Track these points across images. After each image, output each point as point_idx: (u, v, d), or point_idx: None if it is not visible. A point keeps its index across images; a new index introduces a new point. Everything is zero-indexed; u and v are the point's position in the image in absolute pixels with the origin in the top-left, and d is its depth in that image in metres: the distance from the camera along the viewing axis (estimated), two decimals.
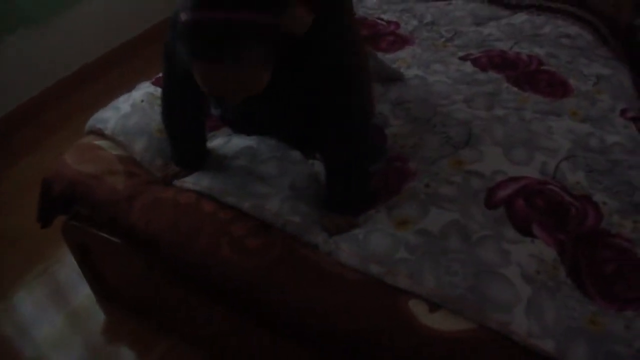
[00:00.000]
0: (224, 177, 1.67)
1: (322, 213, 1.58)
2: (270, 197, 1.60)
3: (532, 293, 1.36)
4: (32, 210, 1.95)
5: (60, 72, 3.28)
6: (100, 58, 3.48)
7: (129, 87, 2.15)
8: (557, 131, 1.90)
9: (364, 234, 1.50)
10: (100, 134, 1.94)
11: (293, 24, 1.33)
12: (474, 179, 1.68)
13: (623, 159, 1.82)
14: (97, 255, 2.00)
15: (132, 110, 1.94)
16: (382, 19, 2.65)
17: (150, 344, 2.00)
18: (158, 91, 1.90)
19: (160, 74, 2.00)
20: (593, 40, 2.53)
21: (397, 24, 2.60)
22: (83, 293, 2.19)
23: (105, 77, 3.39)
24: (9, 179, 2.77)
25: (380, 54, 2.31)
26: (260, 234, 1.54)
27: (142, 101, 1.99)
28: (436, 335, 1.30)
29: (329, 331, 1.38)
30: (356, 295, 1.40)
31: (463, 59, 2.34)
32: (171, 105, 1.67)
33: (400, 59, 2.30)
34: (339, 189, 1.59)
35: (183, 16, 1.12)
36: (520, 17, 2.66)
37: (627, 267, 1.47)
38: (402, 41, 2.47)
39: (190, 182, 1.69)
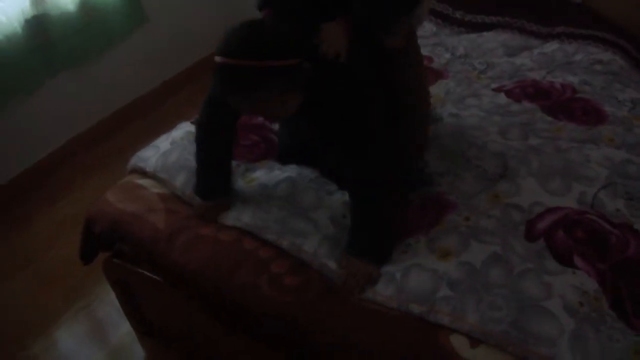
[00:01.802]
0: (263, 212, 1.69)
1: (344, 261, 1.53)
2: (309, 236, 1.60)
3: (575, 325, 1.33)
4: (72, 247, 2.01)
5: (99, 114, 3.36)
6: (138, 99, 3.57)
7: (167, 128, 2.20)
8: (593, 159, 1.88)
9: (402, 272, 1.49)
10: (141, 172, 1.98)
11: (328, 45, 1.44)
12: (512, 211, 1.67)
13: None
14: (137, 292, 2.03)
15: (172, 147, 1.99)
16: None
17: None
18: None
19: None
20: (626, 65, 2.52)
21: (430, 58, 2.61)
22: (123, 330, 2.21)
23: (144, 118, 3.47)
24: (48, 217, 2.83)
25: None
26: (300, 271, 1.55)
27: (182, 139, 2.04)
28: None
29: None
30: (396, 330, 1.39)
31: (496, 90, 2.33)
32: (206, 130, 1.72)
33: (434, 95, 2.29)
34: (358, 231, 1.56)
35: (216, 59, 1.28)
36: (552, 46, 2.66)
37: None
38: (436, 75, 2.48)
39: (231, 218, 1.71)
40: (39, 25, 2.80)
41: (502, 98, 2.27)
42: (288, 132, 1.93)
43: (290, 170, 1.85)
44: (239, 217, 1.70)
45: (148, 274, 1.81)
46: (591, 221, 1.62)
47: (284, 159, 1.90)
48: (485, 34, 2.82)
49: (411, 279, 1.46)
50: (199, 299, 1.68)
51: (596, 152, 1.92)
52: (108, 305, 2.30)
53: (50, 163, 3.11)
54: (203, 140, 1.73)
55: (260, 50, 1.26)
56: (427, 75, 2.07)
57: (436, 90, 2.35)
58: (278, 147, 1.98)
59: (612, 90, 2.31)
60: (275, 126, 2.07)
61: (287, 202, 1.72)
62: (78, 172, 3.11)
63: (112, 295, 2.11)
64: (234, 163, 1.86)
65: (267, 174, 1.86)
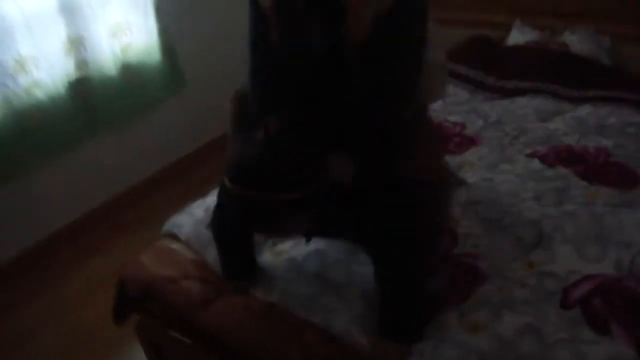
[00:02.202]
0: (293, 287, 1.70)
1: (375, 339, 1.53)
2: (340, 313, 1.60)
3: None
4: (104, 307, 2.03)
5: (135, 176, 3.44)
6: (174, 163, 3.66)
7: (201, 192, 2.24)
8: (629, 224, 1.85)
9: (432, 345, 1.48)
10: (175, 238, 2.02)
11: (336, 173, 1.39)
12: (547, 280, 1.65)
13: None
14: (169, 354, 2.03)
15: (205, 215, 2.00)
16: (448, 121, 2.69)
17: None
18: None
19: None
20: None
21: (463, 125, 2.63)
22: None
23: (179, 182, 3.53)
24: (84, 275, 2.88)
25: (448, 156, 2.34)
26: (331, 342, 1.55)
27: None
28: None
29: None
30: None
31: (530, 155, 2.34)
32: (223, 216, 1.70)
33: (467, 162, 2.33)
34: (390, 309, 1.55)
35: (229, 186, 1.27)
36: (585, 110, 2.66)
37: None
38: (468, 142, 2.49)
39: (260, 293, 1.73)
40: (81, 88, 2.92)
41: (536, 163, 2.27)
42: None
43: (319, 242, 1.84)
44: (269, 291, 1.72)
45: (179, 336, 1.83)
46: (628, 288, 1.60)
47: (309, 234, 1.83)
48: (517, 99, 2.83)
49: (440, 354, 1.45)
50: None
51: (632, 216, 1.90)
52: None
53: (86, 221, 3.19)
54: (223, 226, 1.72)
55: (277, 182, 1.23)
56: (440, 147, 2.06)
57: (469, 157, 2.36)
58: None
59: None
60: None
61: (316, 278, 1.72)
62: (114, 231, 3.17)
63: (143, 357, 2.12)
64: (259, 237, 1.86)
65: (295, 247, 1.86)
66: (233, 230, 1.70)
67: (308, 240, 1.74)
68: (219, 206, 1.71)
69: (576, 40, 2.99)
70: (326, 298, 1.65)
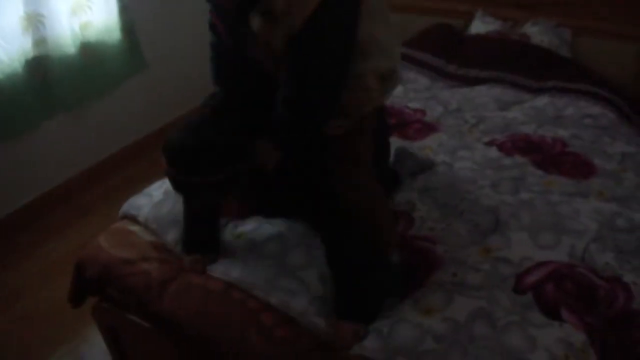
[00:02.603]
0: (252, 268, 1.69)
1: (331, 320, 1.55)
2: (298, 295, 1.60)
3: None
4: (61, 289, 2.00)
5: (92, 158, 3.40)
6: (133, 144, 3.62)
7: (161, 173, 2.21)
8: (583, 213, 1.90)
9: (389, 327, 1.49)
10: (133, 219, 2.00)
11: (264, 159, 1.54)
12: (502, 265, 1.68)
13: None
14: (126, 338, 2.01)
15: (165, 197, 1.99)
16: (408, 107, 2.71)
17: None
18: None
19: None
20: (615, 119, 2.59)
21: (423, 112, 2.66)
22: None
23: (138, 163, 3.50)
24: (39, 257, 2.83)
25: (407, 142, 2.37)
26: (289, 324, 1.55)
27: None
28: None
29: None
30: None
31: (488, 144, 2.38)
32: None
33: (426, 147, 2.35)
34: (341, 291, 1.58)
35: (165, 167, 1.53)
36: (543, 100, 2.72)
37: None
38: (428, 129, 2.52)
39: (219, 272, 1.72)
40: (39, 66, 2.85)
41: (493, 152, 2.31)
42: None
43: (280, 225, 1.84)
44: (227, 271, 1.70)
45: (137, 320, 1.80)
46: (581, 274, 1.64)
47: (268, 213, 1.90)
48: (477, 88, 2.88)
49: (397, 333, 1.47)
50: (187, 347, 1.67)
51: (586, 206, 1.95)
52: (96, 348, 2.25)
53: (43, 203, 3.13)
54: None
55: (204, 168, 1.45)
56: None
57: (429, 142, 2.39)
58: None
59: (601, 144, 2.36)
60: None
61: (276, 260, 1.72)
62: (71, 213, 3.13)
63: (100, 340, 2.09)
64: (222, 220, 1.87)
65: (255, 229, 1.86)
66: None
67: (266, 215, 1.87)
68: None
69: (537, 32, 3.04)
70: (285, 280, 1.65)
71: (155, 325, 1.75)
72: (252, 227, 1.87)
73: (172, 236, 1.86)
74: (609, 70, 2.93)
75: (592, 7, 3.02)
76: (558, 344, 1.42)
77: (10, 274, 2.74)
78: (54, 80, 2.94)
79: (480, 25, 3.19)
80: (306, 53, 1.38)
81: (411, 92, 2.91)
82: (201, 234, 1.78)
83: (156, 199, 2.02)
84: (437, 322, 1.48)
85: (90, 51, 3.08)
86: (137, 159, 3.52)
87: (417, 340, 1.44)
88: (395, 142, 2.33)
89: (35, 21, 2.78)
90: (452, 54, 3.05)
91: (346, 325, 1.50)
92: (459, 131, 2.50)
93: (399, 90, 2.91)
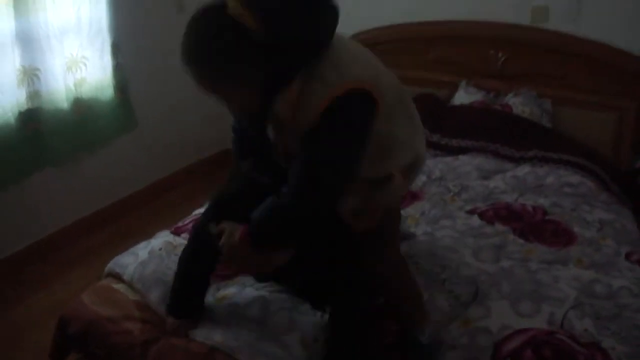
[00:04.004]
0: (235, 332, 1.71)
1: None
2: (280, 359, 1.62)
3: None
4: (44, 342, 2.00)
5: (79, 212, 3.41)
6: (119, 201, 3.64)
7: (147, 231, 2.26)
8: (563, 280, 1.95)
9: None
10: (118, 278, 2.01)
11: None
12: (480, 336, 1.71)
13: (630, 303, 1.86)
14: None
15: (150, 257, 2.02)
16: None
17: None
18: (176, 240, 2.00)
19: (179, 223, 2.19)
20: (594, 187, 2.64)
21: None
22: None
23: (125, 219, 3.53)
24: (21, 312, 2.80)
25: None
26: None
27: (160, 249, 2.08)
28: None
29: None
30: None
31: (470, 212, 2.42)
32: (198, 247, 1.77)
33: (409, 216, 2.39)
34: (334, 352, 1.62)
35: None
36: (524, 169, 2.77)
37: None
38: (411, 197, 2.56)
39: (202, 336, 1.72)
40: (32, 119, 2.90)
41: (475, 220, 2.36)
42: None
43: (263, 288, 1.87)
44: (210, 335, 1.71)
45: None
46: (559, 341, 1.67)
47: (260, 277, 1.92)
48: (460, 157, 2.93)
49: None
50: None
51: (565, 273, 2.00)
52: None
53: (29, 255, 3.13)
54: (190, 258, 1.78)
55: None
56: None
57: (411, 211, 2.44)
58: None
59: (581, 212, 2.41)
60: None
61: (258, 324, 1.74)
62: (57, 266, 3.12)
63: None
64: None
65: (239, 293, 1.88)
66: (200, 261, 1.77)
67: (259, 280, 1.89)
68: (195, 237, 1.78)
69: (519, 102, 3.11)
70: (267, 344, 1.66)
71: None
72: (234, 290, 1.90)
73: (155, 295, 1.88)
74: (589, 138, 2.99)
75: (571, 78, 3.11)
76: None
77: None
78: (46, 133, 2.99)
79: (464, 96, 3.27)
80: (316, 144, 1.36)
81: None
82: (188, 299, 1.80)
83: (141, 258, 2.05)
84: None
85: (83, 107, 3.14)
86: (124, 214, 3.55)
87: None
88: None
89: (30, 75, 2.86)
90: (436, 123, 3.10)
91: None
92: (441, 199, 2.55)
93: None
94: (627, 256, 2.12)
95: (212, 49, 1.28)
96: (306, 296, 1.81)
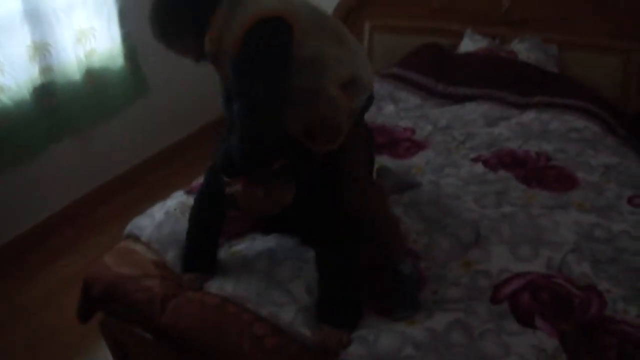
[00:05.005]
0: (245, 283, 1.80)
1: (317, 327, 1.66)
2: (286, 306, 1.71)
3: None
4: (70, 306, 2.12)
5: (98, 179, 3.52)
6: (136, 166, 3.75)
7: (163, 194, 2.34)
8: (563, 225, 1.98)
9: (374, 335, 1.59)
10: (136, 239, 2.11)
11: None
12: (480, 278, 1.77)
13: (628, 246, 1.89)
14: (132, 351, 2.12)
15: (165, 218, 2.11)
16: (399, 126, 2.79)
17: None
18: (190, 200, 2.07)
19: (193, 183, 2.28)
20: (600, 132, 2.64)
21: (413, 130, 2.73)
22: None
23: (141, 184, 3.63)
24: (48, 276, 2.94)
25: (397, 161, 2.47)
26: (279, 333, 1.66)
27: (175, 209, 2.16)
28: None
29: None
30: None
31: (474, 160, 2.45)
32: (204, 208, 1.90)
33: (415, 166, 2.43)
34: (328, 297, 1.69)
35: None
36: (529, 116, 2.78)
37: (631, 350, 1.52)
38: (417, 147, 2.60)
39: (215, 288, 1.82)
40: (46, 92, 2.98)
41: (479, 167, 2.38)
42: None
43: (271, 241, 1.96)
44: (222, 286, 1.81)
45: (142, 333, 1.92)
46: (557, 285, 1.72)
47: (266, 230, 2.02)
48: (466, 105, 2.94)
49: (381, 341, 1.57)
50: (186, 356, 1.79)
51: (566, 218, 2.02)
52: None
53: (51, 224, 3.25)
54: (198, 218, 1.89)
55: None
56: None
57: (417, 160, 2.47)
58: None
59: (585, 157, 2.42)
60: None
61: (266, 274, 1.83)
62: (78, 234, 3.24)
63: (108, 354, 2.19)
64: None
65: (249, 247, 1.97)
66: (207, 220, 1.90)
67: (266, 232, 2.00)
68: (201, 194, 1.90)
69: (524, 48, 3.12)
70: (274, 293, 1.76)
71: (158, 337, 1.87)
72: (245, 245, 1.99)
73: (171, 255, 1.97)
74: (596, 83, 2.99)
75: (577, 22, 3.09)
76: (531, 350, 1.51)
77: (21, 293, 2.85)
78: (60, 105, 3.06)
79: (469, 44, 3.27)
80: (240, 73, 1.53)
81: (402, 111, 2.98)
82: (200, 254, 1.90)
83: (157, 219, 2.13)
84: (417, 332, 1.58)
85: (94, 77, 3.20)
86: (140, 180, 3.65)
87: (398, 348, 1.54)
88: (384, 160, 2.44)
89: (42, 50, 2.92)
90: (441, 72, 3.13)
91: (331, 332, 1.61)
92: (446, 148, 2.57)
93: (390, 110, 3.00)
94: (630, 200, 2.13)
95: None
96: (311, 243, 1.88)
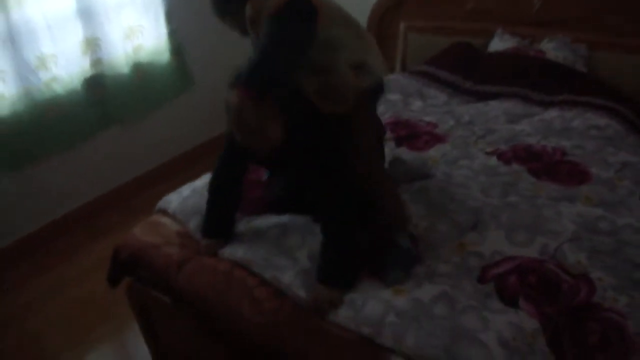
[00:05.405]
0: (254, 249, 1.95)
1: (313, 287, 1.79)
2: (287, 270, 1.85)
3: (505, 356, 1.47)
4: (103, 282, 2.31)
5: (142, 166, 3.77)
6: (180, 155, 3.99)
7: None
8: (566, 216, 2.00)
9: (362, 300, 1.71)
10: (165, 213, 2.30)
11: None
12: (472, 258, 1.84)
13: (633, 240, 1.90)
14: (154, 314, 2.30)
15: (192, 193, 2.28)
16: (423, 120, 2.87)
17: None
18: None
19: None
20: (622, 130, 2.64)
21: (436, 125, 2.81)
22: (142, 351, 2.49)
23: (184, 172, 3.65)
24: (90, 253, 3.19)
25: (414, 153, 2.55)
26: (277, 297, 1.80)
27: (202, 188, 2.29)
28: None
29: None
30: (348, 351, 1.62)
31: (490, 153, 2.49)
32: (222, 178, 2.06)
33: (431, 158, 2.50)
34: (327, 257, 1.81)
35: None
36: (552, 113, 2.81)
37: (614, 338, 1.55)
38: (436, 140, 2.66)
39: (227, 253, 1.98)
40: (96, 84, 3.24)
41: (493, 160, 2.43)
42: (278, 186, 2.22)
43: (285, 218, 2.09)
44: (234, 252, 1.97)
45: (160, 295, 2.09)
46: (547, 269, 1.76)
47: (277, 210, 2.16)
48: (491, 102, 2.99)
49: (368, 306, 1.68)
50: (198, 318, 1.95)
51: (570, 210, 2.05)
52: (131, 329, 2.55)
53: (96, 206, 3.50)
54: (216, 186, 2.06)
55: None
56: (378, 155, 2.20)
57: (433, 153, 2.54)
58: (267, 200, 2.24)
59: (603, 154, 2.41)
60: None
61: (274, 242, 1.97)
62: (121, 216, 3.46)
63: (134, 322, 2.38)
64: (237, 215, 2.13)
65: (263, 221, 2.11)
66: (225, 189, 2.06)
67: (277, 212, 2.14)
68: (220, 164, 2.06)
69: (552, 48, 3.14)
70: (279, 258, 1.90)
71: (175, 300, 2.03)
72: (260, 220, 2.13)
73: (193, 224, 2.14)
74: (625, 83, 2.98)
75: (607, 22, 3.10)
76: (509, 328, 1.55)
77: (65, 267, 3.11)
78: (108, 96, 3.32)
79: (498, 43, 3.32)
80: (267, 33, 1.69)
81: (429, 107, 3.07)
82: (218, 222, 2.07)
83: (184, 194, 2.32)
84: (403, 301, 1.68)
85: (141, 71, 3.45)
86: (183, 169, 3.83)
87: (382, 314, 1.64)
88: (402, 152, 2.54)
89: (93, 44, 3.19)
90: (469, 70, 3.19)
91: (324, 292, 1.74)
92: (464, 142, 2.63)
93: (418, 105, 3.10)
94: None
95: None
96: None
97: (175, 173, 3.79)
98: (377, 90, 1.99)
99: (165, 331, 2.33)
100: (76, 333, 2.66)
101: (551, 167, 2.36)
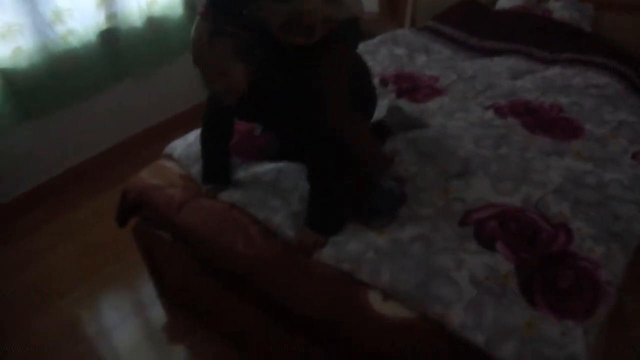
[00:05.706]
0: (250, 192, 2.05)
1: (300, 229, 1.88)
2: (279, 211, 1.95)
3: (476, 294, 1.55)
4: (112, 227, 2.44)
5: (154, 117, 3.85)
6: (191, 108, 4.06)
7: None
8: (553, 168, 2.05)
9: (344, 239, 1.81)
10: (170, 157, 2.40)
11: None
12: (456, 203, 1.91)
13: (618, 194, 1.94)
14: (157, 252, 2.41)
15: (195, 140, 2.36)
16: (425, 74, 2.92)
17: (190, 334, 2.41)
18: None
19: None
20: (623, 90, 2.66)
21: (437, 79, 2.86)
22: (147, 290, 2.64)
23: (195, 124, 3.82)
24: (102, 201, 3.30)
25: (413, 104, 2.60)
26: (269, 236, 1.90)
27: None
28: (383, 320, 1.58)
29: (305, 314, 1.70)
30: (331, 286, 1.71)
31: (487, 107, 2.53)
32: (209, 128, 2.15)
33: (428, 110, 2.55)
34: (312, 204, 1.90)
35: None
36: (554, 70, 2.84)
37: (585, 285, 1.60)
38: (435, 93, 2.71)
39: (226, 195, 2.09)
40: (110, 37, 3.32)
41: (489, 114, 2.47)
42: (276, 145, 2.30)
43: (281, 164, 2.18)
44: (232, 195, 2.07)
45: (164, 235, 2.19)
46: (528, 218, 1.81)
47: (275, 158, 2.24)
48: (495, 58, 3.03)
49: (350, 245, 1.77)
50: (196, 253, 2.04)
51: (559, 163, 2.10)
52: (138, 270, 2.65)
53: (109, 155, 3.61)
54: (206, 136, 2.16)
55: None
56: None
57: (431, 105, 2.60)
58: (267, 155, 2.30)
59: (600, 112, 2.44)
60: None
61: (270, 186, 2.07)
62: (132, 165, 3.39)
63: (141, 262, 2.50)
64: (237, 160, 2.24)
65: (262, 165, 2.20)
66: (215, 137, 2.13)
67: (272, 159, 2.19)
68: (207, 114, 2.12)
69: (559, 7, 3.16)
70: (273, 200, 2.00)
71: (175, 238, 2.14)
72: (258, 167, 2.22)
73: (196, 169, 2.24)
74: (630, 43, 2.99)
75: None
76: (483, 268, 1.63)
77: (77, 213, 3.25)
78: (122, 49, 3.40)
79: (506, 1, 3.34)
80: None
81: (433, 62, 3.11)
82: (214, 168, 2.17)
83: (189, 141, 2.42)
84: (383, 240, 1.77)
85: (155, 25, 3.52)
86: (192, 121, 3.83)
87: (362, 251, 1.74)
88: (401, 103, 2.58)
89: None
90: (475, 27, 3.22)
91: (310, 234, 1.84)
92: (464, 96, 2.67)
93: (422, 60, 3.14)
94: (634, 155, 2.16)
95: None
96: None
97: (185, 125, 3.80)
98: (351, 29, 1.95)
99: (169, 269, 2.45)
100: (86, 273, 2.79)
101: (546, 122, 2.39)
